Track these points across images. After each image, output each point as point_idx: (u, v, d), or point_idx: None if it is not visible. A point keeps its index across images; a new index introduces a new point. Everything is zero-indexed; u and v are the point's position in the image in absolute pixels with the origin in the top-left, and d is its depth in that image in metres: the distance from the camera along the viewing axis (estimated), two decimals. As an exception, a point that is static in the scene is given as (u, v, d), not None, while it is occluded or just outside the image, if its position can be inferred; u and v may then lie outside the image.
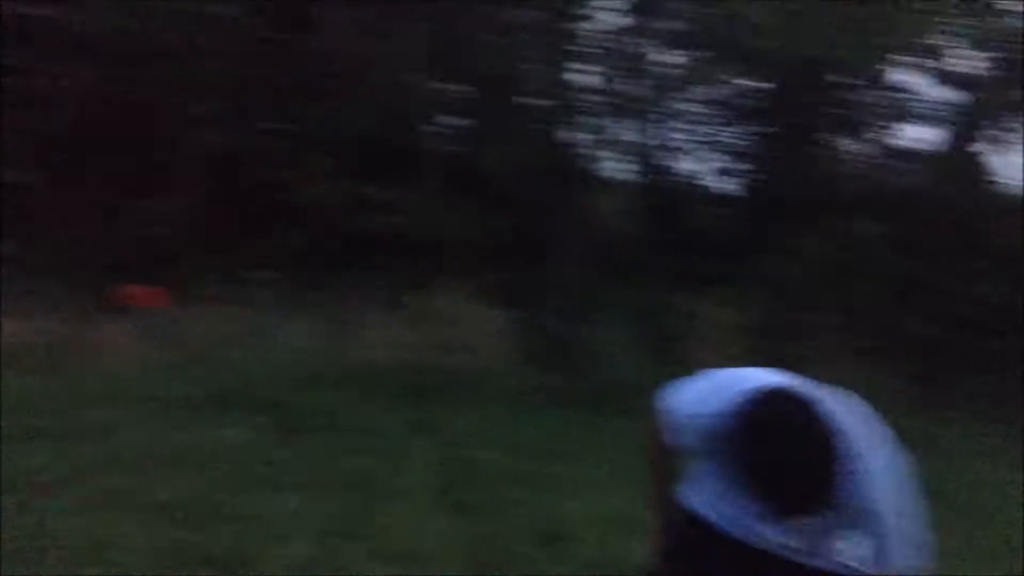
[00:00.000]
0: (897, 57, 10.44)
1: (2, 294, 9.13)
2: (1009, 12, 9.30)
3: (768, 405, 1.60)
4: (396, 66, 11.68)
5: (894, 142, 12.04)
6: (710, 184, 12.59)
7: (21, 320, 8.72)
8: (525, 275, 10.07)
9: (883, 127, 11.99)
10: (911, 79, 11.11)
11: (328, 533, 4.46)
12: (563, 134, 12.57)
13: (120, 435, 5.71)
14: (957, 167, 10.05)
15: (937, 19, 9.60)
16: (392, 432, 6.14)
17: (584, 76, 13.17)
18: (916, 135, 11.22)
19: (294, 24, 11.89)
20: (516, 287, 9.65)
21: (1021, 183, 10.13)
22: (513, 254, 10.77)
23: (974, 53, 10.00)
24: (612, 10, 13.23)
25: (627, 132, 13.40)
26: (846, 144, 12.00)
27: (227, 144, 10.76)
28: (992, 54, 9.74)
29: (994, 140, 10.36)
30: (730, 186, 12.27)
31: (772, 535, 1.69)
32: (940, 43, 10.10)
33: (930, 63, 10.51)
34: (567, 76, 12.76)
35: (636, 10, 13.19)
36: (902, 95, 11.55)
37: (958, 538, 4.84)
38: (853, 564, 1.69)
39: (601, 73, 13.16)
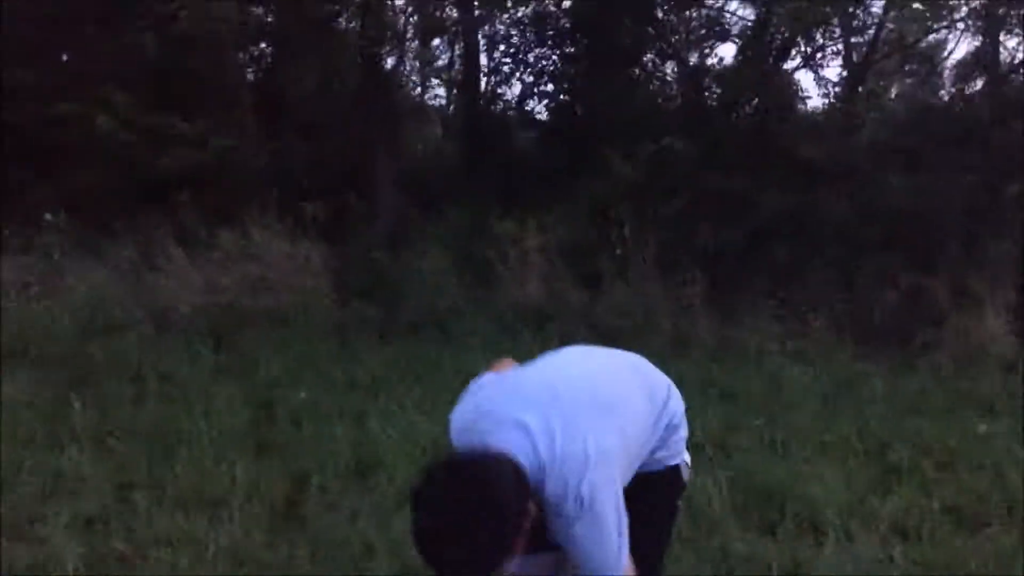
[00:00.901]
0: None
1: None
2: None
3: (426, 484, 1.69)
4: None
5: (706, 61, 12.40)
6: (526, 108, 12.58)
7: None
8: (341, 206, 9.79)
9: (695, 45, 12.31)
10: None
11: (124, 486, 4.25)
12: (377, 60, 12.25)
13: None
14: (767, 84, 10.42)
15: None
16: (196, 378, 5.88)
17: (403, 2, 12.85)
18: (727, 53, 11.58)
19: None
20: (332, 219, 9.37)
21: (830, 99, 10.69)
22: (328, 185, 10.45)
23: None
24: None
25: (440, 56, 13.22)
26: (659, 63, 12.26)
27: (11, 78, 9.81)
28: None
29: (800, 57, 10.82)
30: (545, 110, 12.31)
31: None
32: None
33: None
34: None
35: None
36: (713, 13, 11.86)
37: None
38: None
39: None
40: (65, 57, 11.30)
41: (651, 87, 11.81)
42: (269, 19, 12.82)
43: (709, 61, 12.26)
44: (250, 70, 12.98)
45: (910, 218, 8.15)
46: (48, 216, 8.62)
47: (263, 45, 13.30)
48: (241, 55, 12.46)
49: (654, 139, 9.15)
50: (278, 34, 12.58)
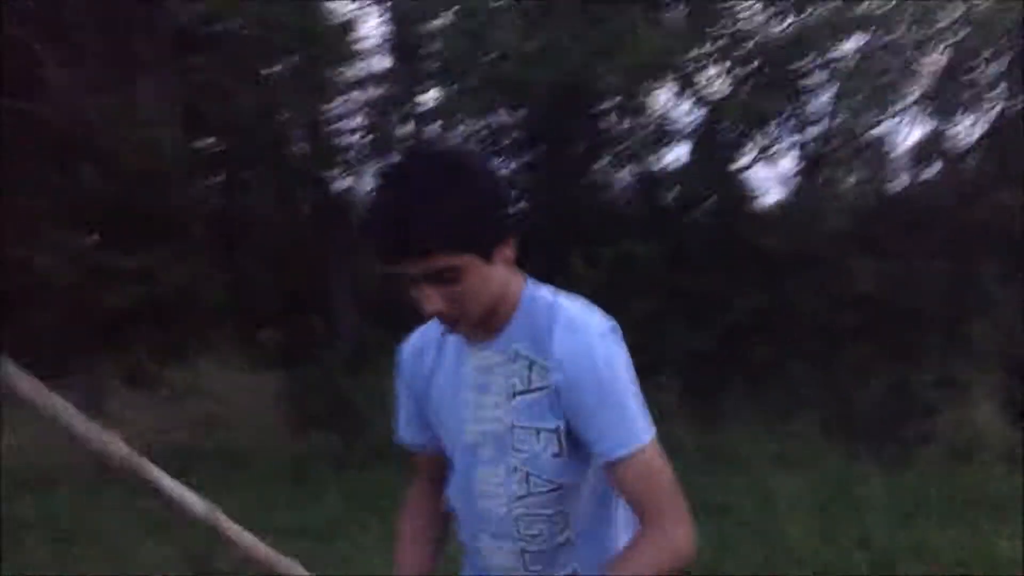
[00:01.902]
0: (653, 79, 10.67)
1: None
2: (758, 32, 9.68)
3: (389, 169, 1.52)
4: (140, 124, 10.78)
5: (656, 163, 12.37)
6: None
7: None
8: (300, 330, 9.42)
9: (644, 148, 12.28)
10: (669, 100, 11.45)
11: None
12: (329, 182, 12.09)
13: None
14: (719, 183, 10.34)
15: (690, 39, 9.86)
16: (128, 532, 5.35)
17: (346, 121, 12.79)
18: (677, 154, 11.54)
19: (21, 86, 10.73)
20: (290, 344, 8.98)
21: (780, 195, 10.61)
22: (286, 310, 10.10)
23: (725, 71, 10.34)
24: (372, 53, 12.97)
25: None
26: (609, 168, 12.20)
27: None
28: (744, 70, 10.10)
29: (749, 154, 10.78)
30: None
31: None
32: (694, 63, 10.38)
33: (687, 83, 10.82)
34: (329, 122, 12.34)
35: (395, 51, 12.97)
36: (660, 116, 11.88)
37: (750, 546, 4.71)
38: None
39: (363, 116, 12.82)
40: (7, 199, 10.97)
41: (608, 192, 11.72)
42: (219, 148, 12.70)
43: (662, 163, 12.23)
44: (201, 200, 12.75)
45: (883, 307, 7.92)
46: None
47: (217, 175, 13.15)
48: (191, 188, 12.26)
49: (614, 242, 8.94)
50: (228, 161, 12.43)
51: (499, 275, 1.48)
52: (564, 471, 1.53)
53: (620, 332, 1.53)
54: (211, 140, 12.36)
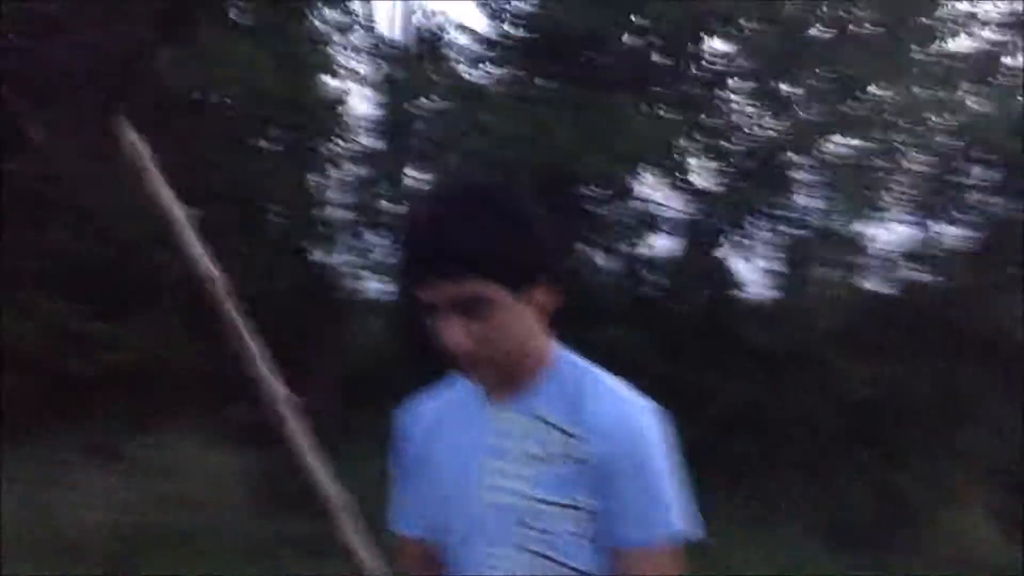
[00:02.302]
0: (641, 168, 10.72)
1: None
2: (750, 125, 9.77)
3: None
4: (120, 188, 10.60)
5: (642, 252, 12.34)
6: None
7: None
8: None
9: (631, 235, 12.25)
10: (655, 189, 11.48)
11: None
12: (308, 255, 11.94)
13: None
14: (707, 273, 10.31)
15: (679, 131, 9.93)
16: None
17: (335, 194, 12.72)
18: (663, 244, 11.53)
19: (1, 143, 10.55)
20: (255, 424, 8.63)
21: (764, 287, 10.58)
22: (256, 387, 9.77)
23: (712, 164, 10.41)
24: (362, 130, 12.99)
25: (374, 248, 12.96)
26: (595, 255, 12.14)
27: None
28: (729, 166, 10.17)
29: (736, 246, 10.79)
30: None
31: None
32: (682, 154, 10.44)
33: (673, 173, 10.86)
34: (317, 195, 12.27)
35: (386, 130, 12.99)
36: (647, 205, 11.90)
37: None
38: None
39: (353, 191, 12.78)
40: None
41: (596, 277, 11.63)
42: (199, 215, 12.52)
43: (650, 251, 12.18)
44: (178, 267, 12.52)
45: (875, 408, 7.79)
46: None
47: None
48: (168, 253, 12.03)
49: (598, 329, 8.78)
50: (207, 229, 12.23)
51: (530, 322, 1.39)
52: (591, 560, 1.33)
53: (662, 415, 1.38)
54: (192, 208, 12.20)
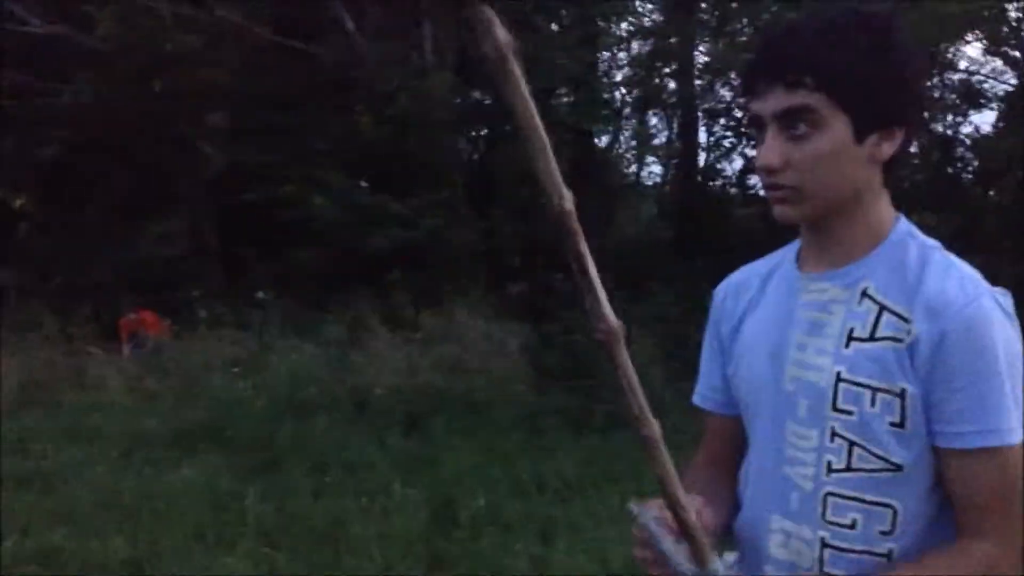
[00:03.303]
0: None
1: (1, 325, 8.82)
2: None
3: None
4: (415, 72, 11.15)
5: (959, 129, 11.14)
6: (747, 183, 11.79)
7: (17, 352, 8.37)
8: (546, 287, 9.39)
9: (945, 113, 11.07)
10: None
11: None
12: (590, 137, 11.95)
13: (75, 480, 5.23)
14: None
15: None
16: (379, 470, 5.52)
17: (621, 75, 12.55)
18: (982, 120, 10.35)
19: (306, 29, 11.40)
20: (536, 300, 8.98)
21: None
22: (535, 265, 10.14)
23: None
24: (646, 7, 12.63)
25: (656, 133, 12.76)
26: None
27: (233, 160, 10.30)
28: None
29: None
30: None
31: None
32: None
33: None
34: (604, 75, 12.13)
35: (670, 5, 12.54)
36: (970, 79, 10.67)
37: None
38: None
39: (632, 70, 12.56)
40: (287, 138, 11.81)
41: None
42: (485, 100, 12.91)
43: (962, 130, 10.94)
44: (465, 151, 13.07)
45: None
46: (260, 294, 8.80)
47: (479, 126, 13.41)
48: (457, 136, 12.56)
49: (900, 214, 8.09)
50: (493, 114, 12.60)
51: (861, 171, 1.21)
52: (903, 449, 1.19)
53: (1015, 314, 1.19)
54: (479, 93, 12.60)
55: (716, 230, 10.97)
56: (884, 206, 1.25)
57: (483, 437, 6.35)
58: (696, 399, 1.53)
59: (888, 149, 1.20)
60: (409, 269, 9.92)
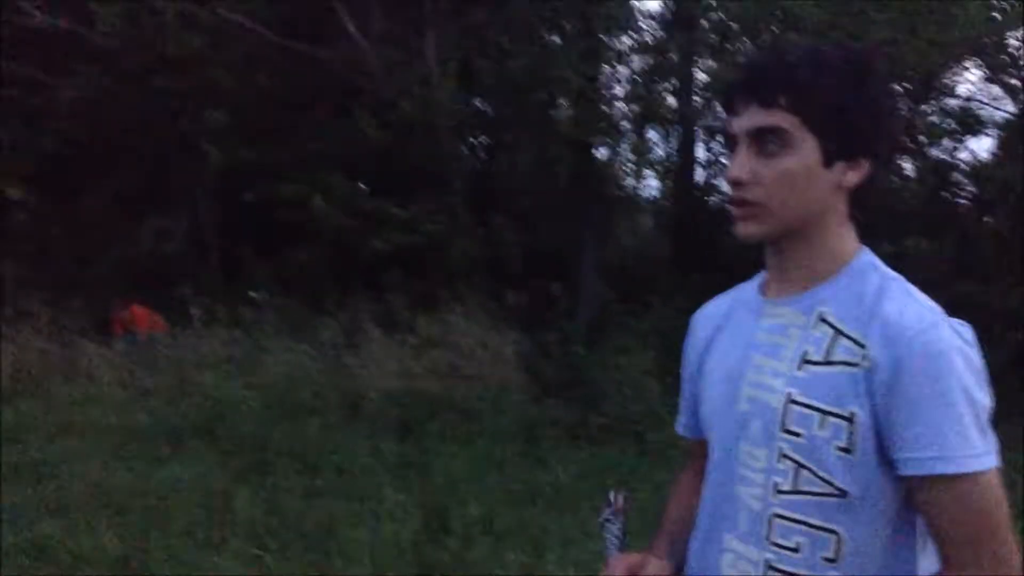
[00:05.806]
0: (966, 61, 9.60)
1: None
2: None
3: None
4: (419, 78, 11.14)
5: (953, 155, 11.16)
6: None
7: (11, 342, 8.34)
8: (544, 295, 9.40)
9: (939, 139, 11.09)
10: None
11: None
12: (590, 149, 11.95)
13: (65, 474, 5.20)
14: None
15: (1018, 21, 8.75)
16: (373, 474, 5.51)
17: (621, 89, 12.56)
18: (979, 147, 10.37)
19: (310, 32, 11.40)
20: (533, 308, 8.98)
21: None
22: (533, 273, 10.14)
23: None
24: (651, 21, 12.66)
25: (654, 147, 12.78)
26: (901, 158, 11.16)
27: (234, 160, 10.28)
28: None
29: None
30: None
31: None
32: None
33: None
34: (604, 89, 12.16)
35: (674, 20, 12.58)
36: (969, 104, 10.69)
37: None
38: None
39: (639, 86, 12.57)
40: (289, 139, 11.81)
41: (890, 184, 10.71)
42: (486, 109, 12.94)
43: (959, 155, 10.98)
44: (466, 158, 13.07)
45: None
46: (253, 293, 8.78)
47: (479, 134, 13.43)
48: (459, 143, 12.57)
49: (893, 239, 8.11)
50: (494, 123, 12.62)
51: (827, 194, 1.24)
52: (848, 475, 1.18)
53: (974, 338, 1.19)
54: (480, 101, 12.62)
55: (713, 246, 11.00)
56: (847, 235, 1.28)
57: (477, 445, 6.36)
58: (678, 428, 1.56)
59: (853, 178, 1.24)
60: (407, 274, 9.91)
